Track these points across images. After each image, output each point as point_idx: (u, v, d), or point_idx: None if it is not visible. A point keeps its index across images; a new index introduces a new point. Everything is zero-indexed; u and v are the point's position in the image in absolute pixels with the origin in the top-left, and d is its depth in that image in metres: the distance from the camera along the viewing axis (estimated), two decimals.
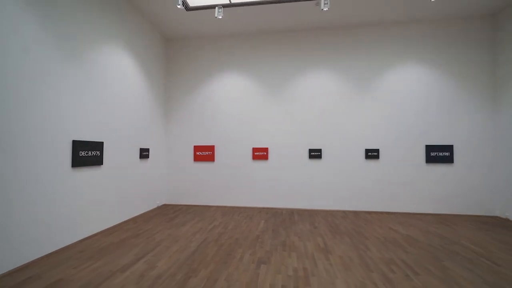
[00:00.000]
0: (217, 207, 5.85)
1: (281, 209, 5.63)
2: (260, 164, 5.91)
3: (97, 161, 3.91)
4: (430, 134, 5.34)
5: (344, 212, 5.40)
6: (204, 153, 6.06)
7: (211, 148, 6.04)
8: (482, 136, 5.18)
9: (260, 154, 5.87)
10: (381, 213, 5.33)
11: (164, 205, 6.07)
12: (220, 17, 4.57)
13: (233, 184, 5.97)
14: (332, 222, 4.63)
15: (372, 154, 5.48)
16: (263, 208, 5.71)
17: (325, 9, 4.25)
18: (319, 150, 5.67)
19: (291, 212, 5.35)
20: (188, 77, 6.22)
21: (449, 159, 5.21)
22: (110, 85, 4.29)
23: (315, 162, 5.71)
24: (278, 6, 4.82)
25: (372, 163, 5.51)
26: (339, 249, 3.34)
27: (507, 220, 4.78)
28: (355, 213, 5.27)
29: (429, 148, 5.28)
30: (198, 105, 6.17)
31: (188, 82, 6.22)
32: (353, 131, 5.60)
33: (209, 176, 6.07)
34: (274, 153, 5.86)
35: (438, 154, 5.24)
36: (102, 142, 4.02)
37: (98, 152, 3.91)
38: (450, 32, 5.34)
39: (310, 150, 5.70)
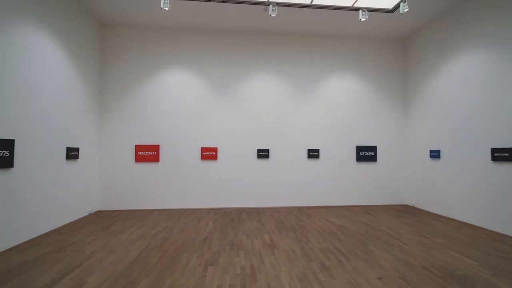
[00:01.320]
0: (162, 210, 5.50)
1: (230, 209, 5.64)
2: (209, 164, 5.80)
3: (5, 163, 3.20)
4: (359, 136, 6.15)
5: (289, 208, 5.75)
6: (148, 153, 5.61)
7: (155, 148, 5.63)
8: (396, 138, 6.24)
9: (209, 154, 5.77)
10: (321, 207, 5.88)
11: (98, 212, 5.37)
12: (167, 8, 4.30)
13: (180, 186, 5.70)
14: (278, 218, 4.88)
15: (313, 154, 5.99)
16: (212, 209, 5.63)
17: (272, 15, 4.45)
18: (267, 150, 5.90)
19: (240, 212, 5.42)
20: (129, 70, 5.66)
21: (374, 158, 6.11)
22: (24, 73, 3.57)
23: (263, 161, 5.92)
24: (227, 6, 4.82)
25: (313, 162, 6.02)
26: (284, 243, 3.54)
27: (413, 207, 5.88)
28: (299, 209, 5.68)
29: (359, 149, 6.08)
30: (141, 101, 5.67)
31: (129, 75, 5.65)
32: (297, 132, 6.02)
33: (153, 178, 5.64)
34: (223, 153, 5.84)
35: (366, 154, 6.09)
36: (13, 140, 3.32)
37: (6, 152, 3.21)
38: (374, 50, 6.26)
39: (259, 150, 5.88)
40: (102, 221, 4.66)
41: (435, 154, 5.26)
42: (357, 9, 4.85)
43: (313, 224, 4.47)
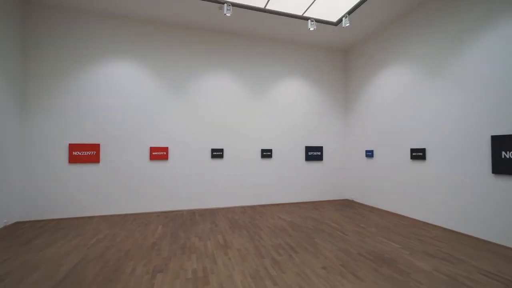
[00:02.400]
0: (102, 217, 4.93)
1: (182, 211, 5.41)
2: (159, 164, 5.45)
3: None
4: (308, 137, 6.61)
5: (243, 207, 5.82)
6: (85, 153, 4.96)
7: (95, 147, 5.02)
8: (339, 139, 6.92)
9: (159, 154, 5.42)
10: (273, 205, 6.11)
11: (17, 223, 4.51)
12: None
13: (125, 188, 5.21)
14: (232, 218, 4.89)
15: (266, 153, 6.19)
16: (163, 212, 5.30)
17: (227, 14, 4.44)
18: (221, 150, 5.85)
19: (193, 213, 5.25)
20: (60, 56, 4.91)
21: (320, 158, 6.65)
22: None
23: (217, 161, 5.85)
24: None
25: (266, 161, 6.22)
26: (237, 242, 3.57)
27: (352, 201, 6.60)
28: (253, 208, 5.80)
29: (307, 149, 6.53)
30: (76, 95, 4.98)
31: (60, 62, 4.91)
32: (251, 133, 6.14)
33: (91, 180, 5.01)
34: (175, 153, 5.56)
35: (314, 154, 6.58)
36: None
37: None
38: (322, 57, 6.81)
39: (213, 150, 5.79)
40: (23, 233, 3.94)
41: (369, 154, 6.01)
42: (307, 18, 5.20)
43: (265, 222, 4.62)
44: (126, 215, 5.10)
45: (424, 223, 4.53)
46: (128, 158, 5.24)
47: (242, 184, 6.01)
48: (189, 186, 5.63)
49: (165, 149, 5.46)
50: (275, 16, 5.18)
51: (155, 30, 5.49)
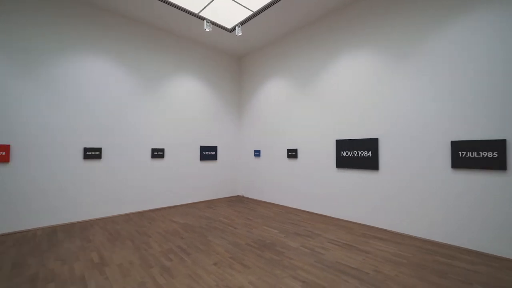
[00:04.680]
0: None
1: (36, 230, 4.09)
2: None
3: None
4: (203, 136, 6.63)
5: (127, 215, 5.09)
6: None
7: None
8: (233, 140, 7.38)
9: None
10: (166, 208, 5.71)
11: None
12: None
13: None
14: (112, 229, 4.18)
15: (158, 153, 5.70)
16: (2, 235, 3.80)
17: None
18: (99, 150, 4.87)
19: (54, 231, 4.07)
20: None
21: (215, 157, 6.84)
22: None
23: (92, 163, 4.82)
24: None
25: (158, 162, 5.73)
26: (118, 257, 3.09)
27: (243, 197, 7.21)
28: (141, 214, 5.18)
29: (202, 148, 6.55)
30: None
31: None
32: (141, 131, 5.47)
33: None
34: (30, 153, 4.11)
35: (208, 153, 6.68)
36: None
37: None
38: (220, 60, 7.03)
39: (86, 149, 4.72)
40: None
41: (257, 153, 6.77)
42: (203, 18, 5.22)
43: (155, 228, 4.26)
44: None
45: (296, 209, 5.59)
46: None
47: (127, 188, 5.25)
48: (50, 197, 4.33)
49: (6, 148, 3.94)
50: (171, 8, 4.87)
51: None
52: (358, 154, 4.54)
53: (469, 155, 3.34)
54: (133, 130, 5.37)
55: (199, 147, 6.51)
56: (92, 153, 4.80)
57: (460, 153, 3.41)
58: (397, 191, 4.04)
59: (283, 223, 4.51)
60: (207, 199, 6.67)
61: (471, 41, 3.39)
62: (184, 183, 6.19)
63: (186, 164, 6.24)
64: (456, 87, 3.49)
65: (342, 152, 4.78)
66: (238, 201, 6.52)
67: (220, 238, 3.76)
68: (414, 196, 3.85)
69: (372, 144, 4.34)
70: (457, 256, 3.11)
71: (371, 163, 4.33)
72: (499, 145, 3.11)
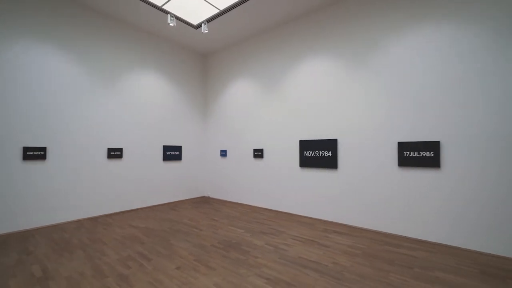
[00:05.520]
0: None
1: None
2: None
3: None
4: (167, 136, 6.34)
5: (79, 222, 4.61)
6: None
7: None
8: (198, 140, 7.19)
9: None
10: (123, 212, 5.32)
11: None
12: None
13: None
14: (60, 238, 3.75)
15: (115, 153, 5.28)
16: None
17: None
18: (43, 149, 4.32)
19: None
20: None
21: (179, 157, 6.59)
22: None
23: (35, 164, 4.25)
24: None
25: (115, 162, 5.31)
26: (66, 269, 2.79)
27: (209, 197, 7.08)
28: (94, 220, 4.74)
29: (165, 148, 6.26)
30: None
31: None
32: (95, 129, 5.00)
33: None
34: None
35: (172, 153, 6.41)
36: None
37: None
38: (184, 58, 6.78)
39: (26, 149, 4.15)
40: None
41: (223, 153, 6.71)
42: (166, 12, 4.99)
43: (112, 234, 3.94)
44: None
45: (262, 208, 5.69)
46: None
47: (77, 192, 4.75)
48: None
49: None
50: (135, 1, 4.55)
51: None
52: (319, 154, 4.80)
53: (412, 154, 3.78)
54: (86, 128, 4.88)
55: (162, 147, 6.20)
56: (35, 153, 4.24)
57: (405, 152, 3.84)
58: (353, 188, 4.39)
59: (248, 223, 4.55)
60: (170, 201, 6.39)
61: (413, 55, 3.84)
62: (145, 184, 5.84)
63: (147, 165, 5.89)
64: (403, 93, 3.92)
65: (305, 152, 5.01)
66: (203, 202, 6.39)
67: (184, 241, 3.64)
68: (367, 193, 4.23)
69: (331, 145, 4.63)
70: (403, 245, 3.49)
71: (331, 162, 4.62)
72: (434, 145, 3.59)
